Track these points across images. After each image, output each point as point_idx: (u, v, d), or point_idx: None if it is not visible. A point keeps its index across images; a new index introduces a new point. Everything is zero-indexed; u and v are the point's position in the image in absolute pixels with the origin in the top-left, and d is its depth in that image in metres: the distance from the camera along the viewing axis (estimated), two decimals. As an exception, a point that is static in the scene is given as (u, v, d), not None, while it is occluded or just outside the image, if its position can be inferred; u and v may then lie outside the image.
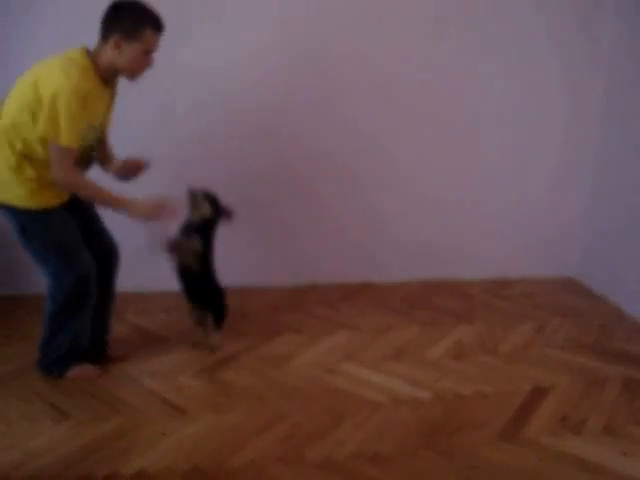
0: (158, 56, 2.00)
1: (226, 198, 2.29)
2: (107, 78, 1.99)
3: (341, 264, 3.14)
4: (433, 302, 2.95)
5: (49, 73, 1.83)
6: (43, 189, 1.97)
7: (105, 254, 2.24)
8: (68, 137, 1.85)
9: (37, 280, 2.91)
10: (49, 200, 2.00)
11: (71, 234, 2.07)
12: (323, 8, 2.77)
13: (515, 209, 3.19)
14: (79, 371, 2.16)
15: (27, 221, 1.99)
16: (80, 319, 2.12)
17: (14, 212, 1.98)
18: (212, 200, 2.26)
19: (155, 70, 2.01)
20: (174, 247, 2.26)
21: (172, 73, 2.59)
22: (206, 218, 2.26)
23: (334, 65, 2.85)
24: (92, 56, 1.93)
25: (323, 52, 2.81)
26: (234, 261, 3.00)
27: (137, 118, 2.61)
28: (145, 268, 2.97)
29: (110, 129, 2.17)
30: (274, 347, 2.44)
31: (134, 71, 1.98)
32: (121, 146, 2.25)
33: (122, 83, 2.09)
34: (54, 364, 2.15)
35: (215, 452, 1.75)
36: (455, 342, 2.51)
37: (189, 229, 2.27)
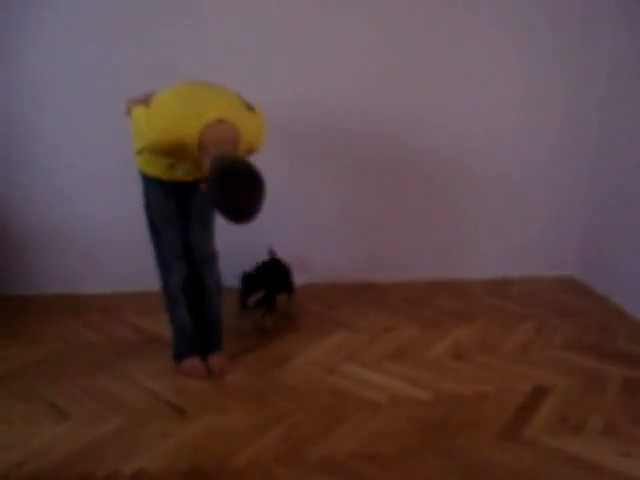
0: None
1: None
2: None
3: (341, 264, 3.13)
4: (433, 302, 2.95)
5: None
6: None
7: (194, 255, 2.24)
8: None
9: (37, 280, 2.93)
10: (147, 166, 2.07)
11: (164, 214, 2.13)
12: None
13: (515, 209, 3.19)
14: (186, 367, 2.21)
15: (143, 184, 2.13)
16: (176, 310, 2.23)
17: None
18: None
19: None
20: None
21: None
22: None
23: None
24: None
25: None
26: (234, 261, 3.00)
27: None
28: (145, 268, 2.98)
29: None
30: (274, 347, 2.44)
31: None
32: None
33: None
34: (174, 355, 2.27)
35: (215, 452, 1.75)
36: (455, 342, 2.51)
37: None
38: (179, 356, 2.26)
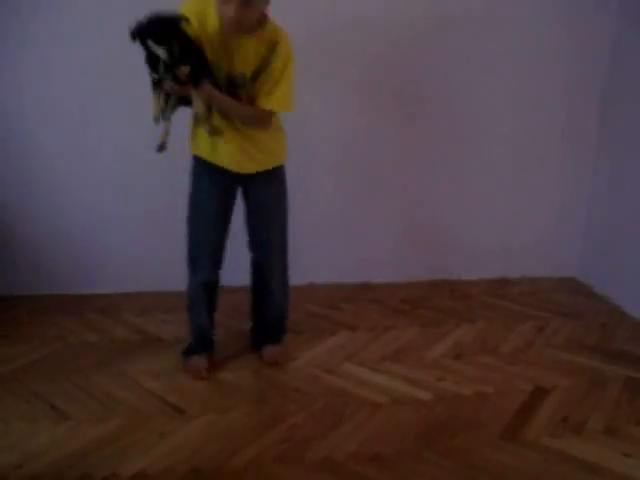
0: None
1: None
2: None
3: (341, 264, 3.13)
4: (434, 302, 2.94)
5: None
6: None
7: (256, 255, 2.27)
8: None
9: (36, 280, 2.93)
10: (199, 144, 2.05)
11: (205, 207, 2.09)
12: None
13: (516, 208, 3.19)
14: (191, 364, 2.22)
15: (191, 174, 2.11)
16: (194, 309, 2.22)
17: None
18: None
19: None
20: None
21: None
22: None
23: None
24: None
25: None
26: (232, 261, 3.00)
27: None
28: (145, 268, 2.98)
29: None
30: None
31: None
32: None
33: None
34: (183, 350, 2.28)
35: (215, 453, 1.75)
36: (455, 342, 2.50)
37: None
38: (187, 352, 2.27)
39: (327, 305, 2.85)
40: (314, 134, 2.84)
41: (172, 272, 2.99)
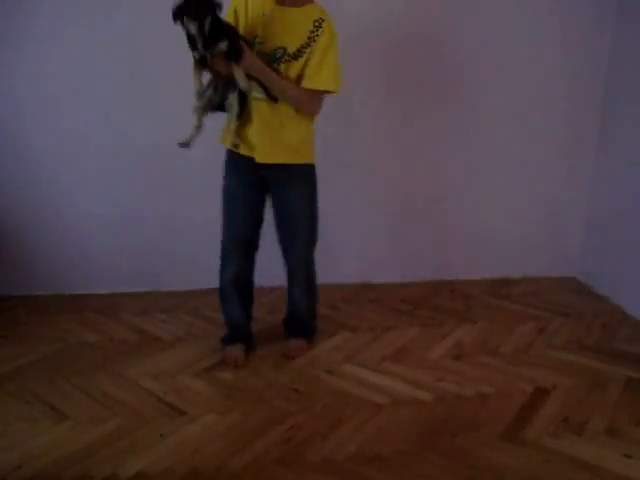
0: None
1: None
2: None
3: (341, 264, 3.12)
4: (434, 302, 2.94)
5: None
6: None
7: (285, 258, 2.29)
8: None
9: (36, 280, 2.93)
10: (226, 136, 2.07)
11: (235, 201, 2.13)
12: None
13: (516, 208, 3.18)
14: (227, 353, 2.29)
15: (224, 170, 2.15)
16: (226, 303, 2.28)
17: None
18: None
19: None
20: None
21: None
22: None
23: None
24: None
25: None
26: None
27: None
28: (144, 268, 2.97)
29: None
30: (274, 347, 2.42)
31: None
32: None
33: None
34: (222, 338, 2.35)
35: (214, 453, 1.74)
36: (456, 343, 2.50)
37: None
38: (224, 340, 2.35)
39: (327, 305, 2.84)
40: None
41: (171, 272, 3.01)
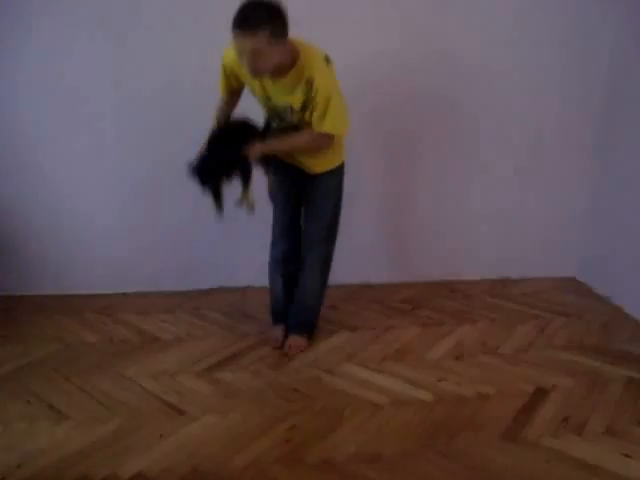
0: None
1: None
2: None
3: (341, 264, 3.12)
4: (434, 302, 2.94)
5: None
6: None
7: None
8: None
9: (35, 280, 2.93)
10: None
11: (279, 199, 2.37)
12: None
13: (516, 209, 3.18)
14: (269, 333, 2.45)
15: None
16: (272, 279, 2.46)
17: None
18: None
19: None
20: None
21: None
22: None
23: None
24: None
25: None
26: (232, 262, 2.99)
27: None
28: (144, 268, 2.97)
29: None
30: (274, 347, 2.43)
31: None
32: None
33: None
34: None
35: (214, 454, 1.74)
36: (456, 343, 2.50)
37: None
38: (272, 321, 2.50)
39: (327, 305, 2.84)
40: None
41: (171, 272, 3.01)
